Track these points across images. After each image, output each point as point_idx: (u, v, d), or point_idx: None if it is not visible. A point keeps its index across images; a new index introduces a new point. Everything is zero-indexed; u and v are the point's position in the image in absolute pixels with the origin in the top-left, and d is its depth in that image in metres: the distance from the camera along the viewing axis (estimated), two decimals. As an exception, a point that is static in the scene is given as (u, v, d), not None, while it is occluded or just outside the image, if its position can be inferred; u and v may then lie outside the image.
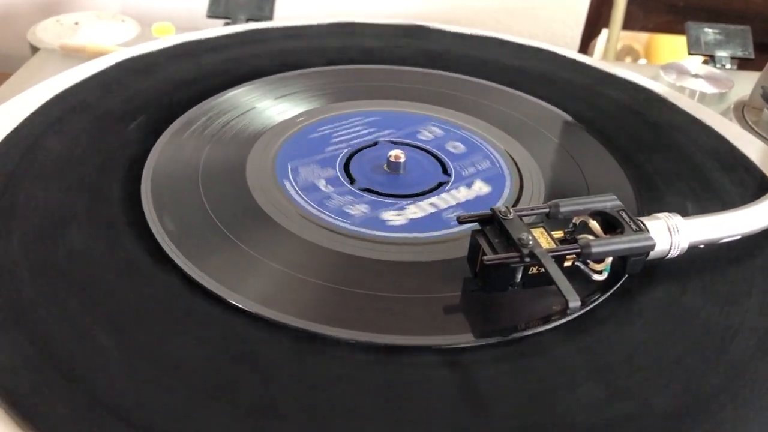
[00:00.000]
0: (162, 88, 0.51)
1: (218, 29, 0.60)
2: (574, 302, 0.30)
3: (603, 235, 0.35)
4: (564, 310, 0.32)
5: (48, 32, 0.67)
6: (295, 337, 0.31)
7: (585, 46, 0.95)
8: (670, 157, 0.48)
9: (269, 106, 0.50)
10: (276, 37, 0.61)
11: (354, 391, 0.29)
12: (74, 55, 0.63)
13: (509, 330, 0.33)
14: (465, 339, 0.32)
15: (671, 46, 1.06)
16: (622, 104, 0.54)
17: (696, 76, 0.66)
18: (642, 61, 1.19)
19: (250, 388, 0.29)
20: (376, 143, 0.47)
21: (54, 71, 0.53)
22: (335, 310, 0.33)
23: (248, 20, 0.69)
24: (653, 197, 0.43)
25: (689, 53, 0.71)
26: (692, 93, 0.64)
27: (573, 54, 0.61)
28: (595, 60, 0.60)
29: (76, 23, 0.68)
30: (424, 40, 0.63)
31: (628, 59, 1.21)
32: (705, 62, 0.73)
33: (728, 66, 0.71)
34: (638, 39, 1.15)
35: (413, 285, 0.35)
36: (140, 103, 0.48)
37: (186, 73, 0.53)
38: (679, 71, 0.67)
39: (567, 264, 0.34)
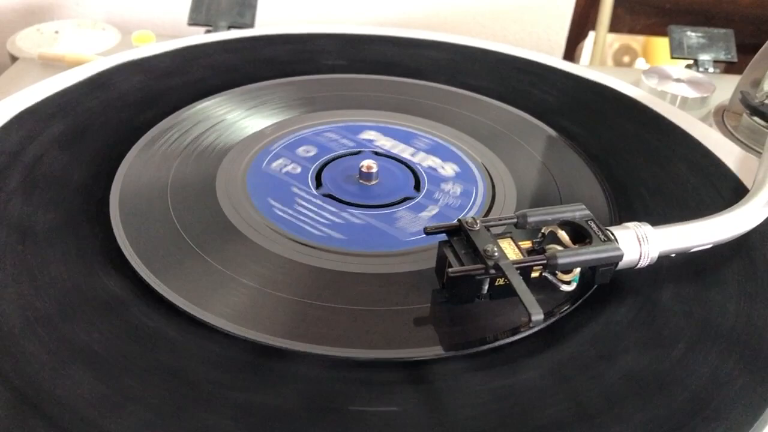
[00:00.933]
0: (131, 101, 0.50)
1: (190, 38, 0.60)
2: (537, 315, 0.30)
3: (571, 246, 0.34)
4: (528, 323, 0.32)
5: (27, 41, 0.66)
6: (264, 353, 0.31)
7: (572, 49, 0.95)
8: (645, 164, 0.47)
9: (240, 117, 0.49)
10: (248, 47, 0.60)
11: (319, 406, 0.29)
12: (53, 64, 0.63)
13: (476, 342, 0.32)
14: (433, 352, 0.32)
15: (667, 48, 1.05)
16: (599, 111, 0.54)
17: (678, 80, 0.66)
18: (640, 60, 1.19)
19: (221, 403, 0.28)
20: (351, 153, 0.47)
21: (32, 81, 0.53)
22: (302, 324, 0.33)
23: (230, 27, 0.69)
24: (628, 206, 0.43)
25: (672, 57, 0.71)
26: (674, 98, 0.64)
27: (551, 60, 0.61)
28: (573, 66, 0.60)
29: (57, 32, 0.68)
30: (396, 46, 0.63)
31: (626, 58, 1.21)
32: (689, 66, 0.73)
33: (711, 70, 0.71)
34: (636, 38, 1.15)
35: (382, 297, 0.35)
36: (107, 118, 0.48)
37: (155, 86, 0.53)
38: (660, 75, 0.66)
39: (535, 275, 0.34)
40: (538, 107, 0.54)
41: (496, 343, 0.33)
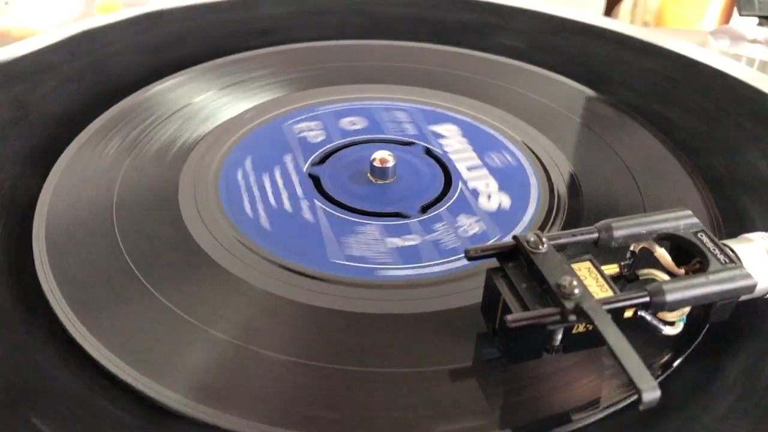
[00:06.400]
0: (72, 85, 0.41)
1: (151, 5, 0.52)
2: (651, 393, 0.20)
3: (677, 271, 0.25)
4: (635, 397, 0.22)
5: (-30, 14, 0.57)
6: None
7: (609, 12, 0.84)
8: (748, 150, 0.37)
9: (211, 100, 0.40)
10: (223, 11, 0.52)
11: None
12: (-3, 40, 0.53)
13: (548, 422, 0.23)
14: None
15: (681, 18, 0.99)
16: (675, 82, 0.45)
17: (753, 41, 0.55)
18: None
19: None
20: (356, 142, 0.37)
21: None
22: (298, 402, 0.23)
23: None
24: (731, 208, 0.33)
25: (740, 14, 0.61)
26: (750, 61, 0.53)
27: (607, 21, 0.53)
28: (634, 27, 0.51)
29: (6, 3, 0.58)
30: (418, 7, 0.54)
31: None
32: (759, 24, 0.62)
33: (788, 28, 0.60)
34: (649, 11, 1.08)
35: (402, 351, 0.25)
36: (40, 105, 0.39)
37: (102, 64, 0.44)
38: (732, 36, 0.56)
39: (627, 314, 0.24)
40: (598, 78, 0.45)
41: (578, 425, 0.23)
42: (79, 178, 0.33)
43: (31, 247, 0.28)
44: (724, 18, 0.93)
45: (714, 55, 0.48)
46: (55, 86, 0.41)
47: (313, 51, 0.46)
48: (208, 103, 0.39)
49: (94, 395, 0.23)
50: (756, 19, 0.62)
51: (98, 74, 0.43)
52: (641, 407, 0.20)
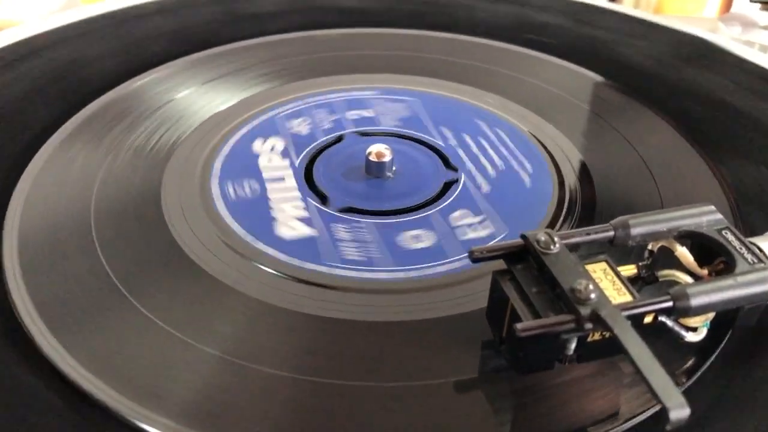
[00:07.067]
0: (43, 83, 0.39)
1: None
2: (679, 410, 0.19)
3: (700, 272, 0.24)
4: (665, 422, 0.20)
5: (-50, 6, 0.54)
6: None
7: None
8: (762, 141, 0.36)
9: (193, 96, 0.38)
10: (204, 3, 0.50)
11: None
12: (-24, 32, 0.51)
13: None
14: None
15: (682, 9, 0.97)
16: (691, 70, 0.43)
17: (766, 27, 0.53)
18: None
19: None
20: (342, 137, 0.35)
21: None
22: (297, 421, 0.21)
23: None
24: (754, 201, 0.31)
25: (751, 0, 0.58)
26: (763, 48, 0.51)
27: (615, 5, 0.50)
28: (643, 12, 0.49)
29: (-12, -6, 0.56)
30: None
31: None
32: (763, 9, 0.60)
33: (801, 14, 0.58)
34: (650, 3, 1.07)
35: (402, 362, 0.23)
36: (13, 103, 0.37)
37: (77, 60, 0.42)
38: (743, 23, 0.54)
39: (647, 320, 0.22)
40: (608, 65, 0.43)
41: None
42: (54, 182, 0.31)
43: (2, 258, 0.26)
44: (724, 9, 0.91)
45: (728, 40, 0.47)
46: (31, 81, 0.39)
47: (300, 42, 0.44)
48: (191, 98, 0.37)
49: (75, 421, 0.21)
50: (758, 5, 0.61)
51: (78, 69, 0.40)
52: (668, 427, 0.18)
